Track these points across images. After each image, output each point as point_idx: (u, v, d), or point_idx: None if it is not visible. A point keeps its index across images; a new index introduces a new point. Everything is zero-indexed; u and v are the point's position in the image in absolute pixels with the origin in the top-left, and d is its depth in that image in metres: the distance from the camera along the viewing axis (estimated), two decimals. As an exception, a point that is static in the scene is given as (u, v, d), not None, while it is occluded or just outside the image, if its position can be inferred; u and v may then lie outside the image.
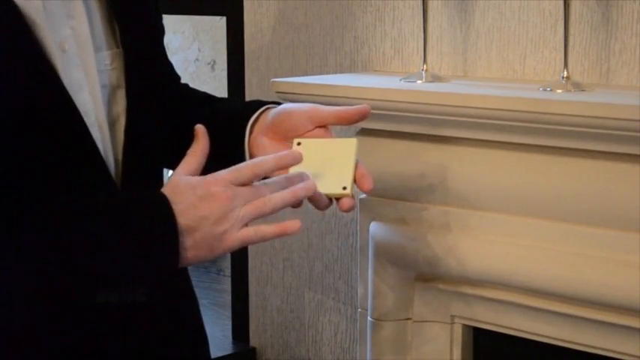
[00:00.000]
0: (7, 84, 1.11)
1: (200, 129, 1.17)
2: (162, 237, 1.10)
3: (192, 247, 1.11)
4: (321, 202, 1.22)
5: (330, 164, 1.24)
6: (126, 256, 1.11)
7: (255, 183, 1.14)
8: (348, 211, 1.22)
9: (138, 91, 1.23)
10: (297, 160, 1.16)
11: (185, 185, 1.12)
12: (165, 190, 1.13)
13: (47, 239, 1.11)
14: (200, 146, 1.16)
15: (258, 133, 1.31)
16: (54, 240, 1.11)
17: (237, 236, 1.12)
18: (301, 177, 1.16)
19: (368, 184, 1.24)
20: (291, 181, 1.16)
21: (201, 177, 1.14)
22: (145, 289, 1.15)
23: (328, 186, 1.22)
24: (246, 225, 1.13)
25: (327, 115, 1.29)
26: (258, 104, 1.35)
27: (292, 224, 1.14)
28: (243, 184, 1.13)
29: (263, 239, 1.15)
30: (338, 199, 1.23)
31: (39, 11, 1.13)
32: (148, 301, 1.23)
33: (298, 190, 1.15)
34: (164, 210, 1.10)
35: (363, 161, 1.25)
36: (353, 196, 1.23)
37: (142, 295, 1.15)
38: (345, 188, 1.22)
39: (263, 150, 1.29)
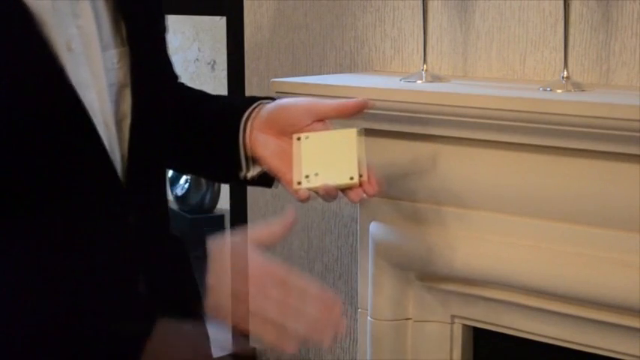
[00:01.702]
0: (16, 83, 1.11)
1: (291, 214, 1.19)
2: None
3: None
4: (330, 195, 1.23)
5: (333, 156, 1.24)
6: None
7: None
8: (358, 201, 1.23)
9: (144, 89, 1.24)
10: (336, 310, 1.16)
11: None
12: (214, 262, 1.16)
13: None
14: (283, 228, 1.19)
15: (254, 130, 1.31)
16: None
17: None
18: (333, 309, 1.17)
19: (374, 189, 1.25)
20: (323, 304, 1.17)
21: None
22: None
23: (335, 177, 1.23)
24: None
25: (326, 108, 1.30)
26: (251, 100, 1.35)
27: (290, 347, 1.16)
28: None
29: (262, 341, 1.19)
30: (344, 190, 1.24)
31: (47, 10, 1.13)
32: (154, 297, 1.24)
33: (315, 338, 1.16)
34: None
35: (372, 162, 1.26)
36: (361, 185, 1.23)
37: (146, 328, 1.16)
38: (352, 178, 1.23)
39: (263, 146, 1.30)
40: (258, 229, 1.18)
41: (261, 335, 1.17)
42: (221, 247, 1.14)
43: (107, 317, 1.21)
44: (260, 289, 1.13)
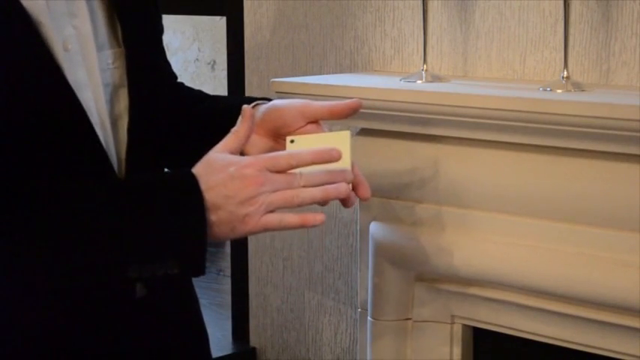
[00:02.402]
0: (14, 83, 1.11)
1: (248, 110, 1.17)
2: (190, 211, 1.11)
3: (214, 224, 1.13)
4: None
5: None
6: (156, 230, 1.11)
7: (294, 171, 1.15)
8: (351, 206, 1.22)
9: (140, 89, 1.24)
10: (335, 159, 1.16)
11: (220, 162, 1.13)
12: (199, 166, 1.14)
13: (77, 216, 1.11)
14: (244, 127, 1.17)
15: None
16: (84, 217, 1.11)
17: (259, 221, 1.13)
18: (343, 176, 1.17)
19: (365, 192, 1.24)
20: (330, 177, 1.16)
21: (239, 157, 1.15)
22: (176, 262, 1.14)
23: None
24: (271, 211, 1.14)
25: (319, 110, 1.29)
26: (247, 101, 1.35)
27: (315, 216, 1.15)
28: (278, 172, 1.14)
29: (285, 228, 1.16)
30: None
31: (43, 11, 1.14)
32: (152, 298, 1.23)
33: (330, 190, 1.16)
34: (192, 185, 1.12)
35: (360, 165, 1.25)
36: (353, 188, 1.23)
37: (173, 269, 1.14)
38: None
39: (253, 147, 1.29)
40: (227, 138, 1.17)
41: (284, 225, 1.15)
42: (205, 165, 1.14)
43: (107, 319, 1.21)
44: (262, 184, 1.12)
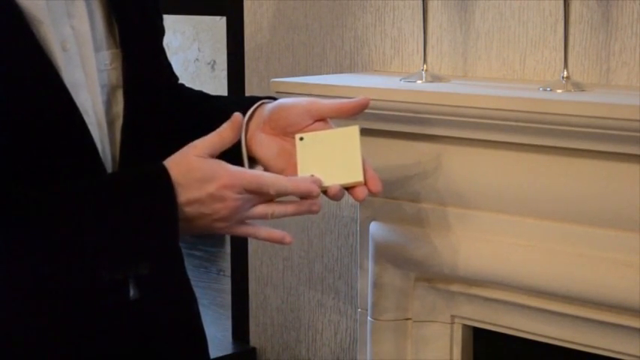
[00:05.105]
0: (10, 82, 1.11)
1: (238, 118, 1.18)
2: (164, 222, 1.13)
3: (186, 230, 1.16)
4: (338, 194, 1.23)
5: (337, 155, 1.24)
6: (130, 239, 1.12)
7: None
8: (363, 199, 1.23)
9: (136, 91, 1.24)
10: (314, 195, 1.19)
11: (199, 173, 1.14)
12: (175, 168, 1.14)
13: (51, 220, 1.11)
14: (231, 135, 1.18)
15: (255, 130, 1.31)
16: (57, 219, 1.11)
17: (233, 230, 1.18)
18: (312, 193, 1.19)
19: (376, 186, 1.24)
20: (301, 195, 1.19)
21: (218, 169, 1.15)
22: (147, 263, 1.16)
23: (341, 177, 1.23)
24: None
25: (326, 108, 1.29)
26: (252, 100, 1.35)
27: (284, 237, 1.19)
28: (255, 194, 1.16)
29: (255, 238, 1.20)
30: (349, 188, 1.23)
31: (43, 10, 1.14)
32: (146, 300, 1.23)
33: (303, 208, 1.19)
34: (169, 197, 1.13)
35: (370, 161, 1.26)
36: (365, 183, 1.24)
37: (145, 269, 1.17)
38: (358, 176, 1.23)
39: (262, 146, 1.29)
40: (210, 137, 1.18)
41: (253, 237, 1.19)
42: (183, 171, 1.14)
43: (103, 319, 1.21)
44: (239, 209, 1.15)
